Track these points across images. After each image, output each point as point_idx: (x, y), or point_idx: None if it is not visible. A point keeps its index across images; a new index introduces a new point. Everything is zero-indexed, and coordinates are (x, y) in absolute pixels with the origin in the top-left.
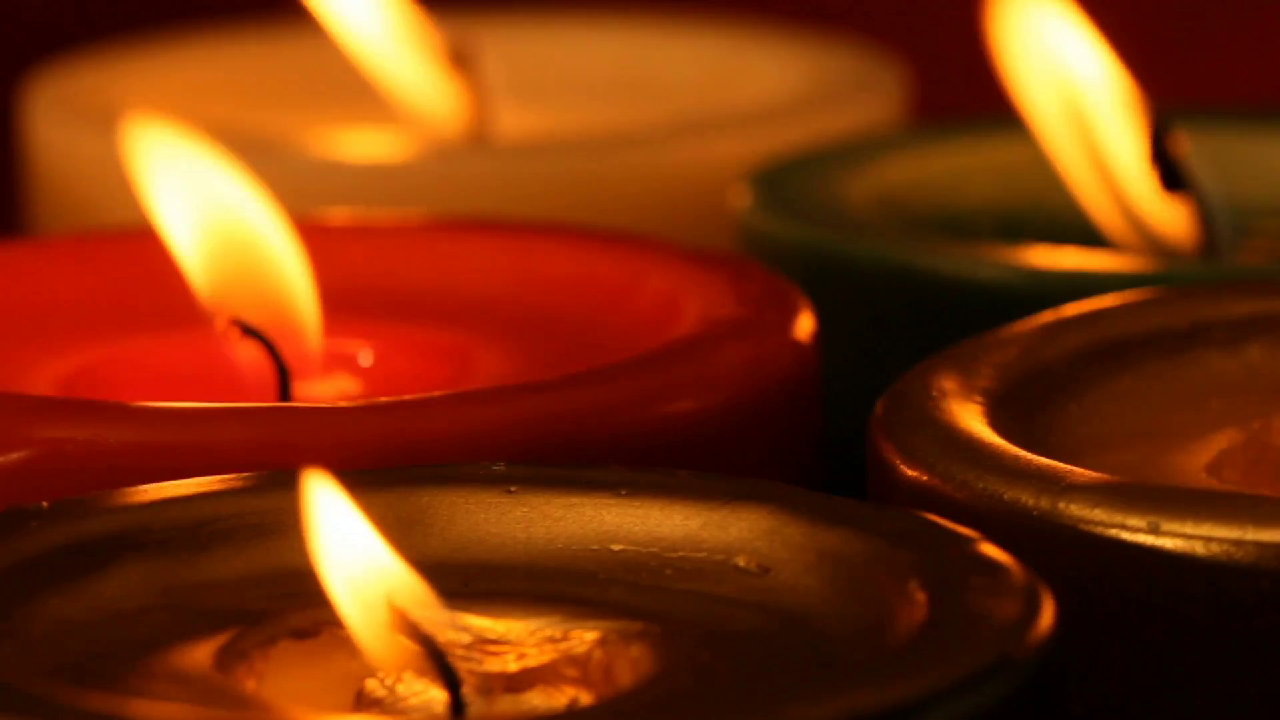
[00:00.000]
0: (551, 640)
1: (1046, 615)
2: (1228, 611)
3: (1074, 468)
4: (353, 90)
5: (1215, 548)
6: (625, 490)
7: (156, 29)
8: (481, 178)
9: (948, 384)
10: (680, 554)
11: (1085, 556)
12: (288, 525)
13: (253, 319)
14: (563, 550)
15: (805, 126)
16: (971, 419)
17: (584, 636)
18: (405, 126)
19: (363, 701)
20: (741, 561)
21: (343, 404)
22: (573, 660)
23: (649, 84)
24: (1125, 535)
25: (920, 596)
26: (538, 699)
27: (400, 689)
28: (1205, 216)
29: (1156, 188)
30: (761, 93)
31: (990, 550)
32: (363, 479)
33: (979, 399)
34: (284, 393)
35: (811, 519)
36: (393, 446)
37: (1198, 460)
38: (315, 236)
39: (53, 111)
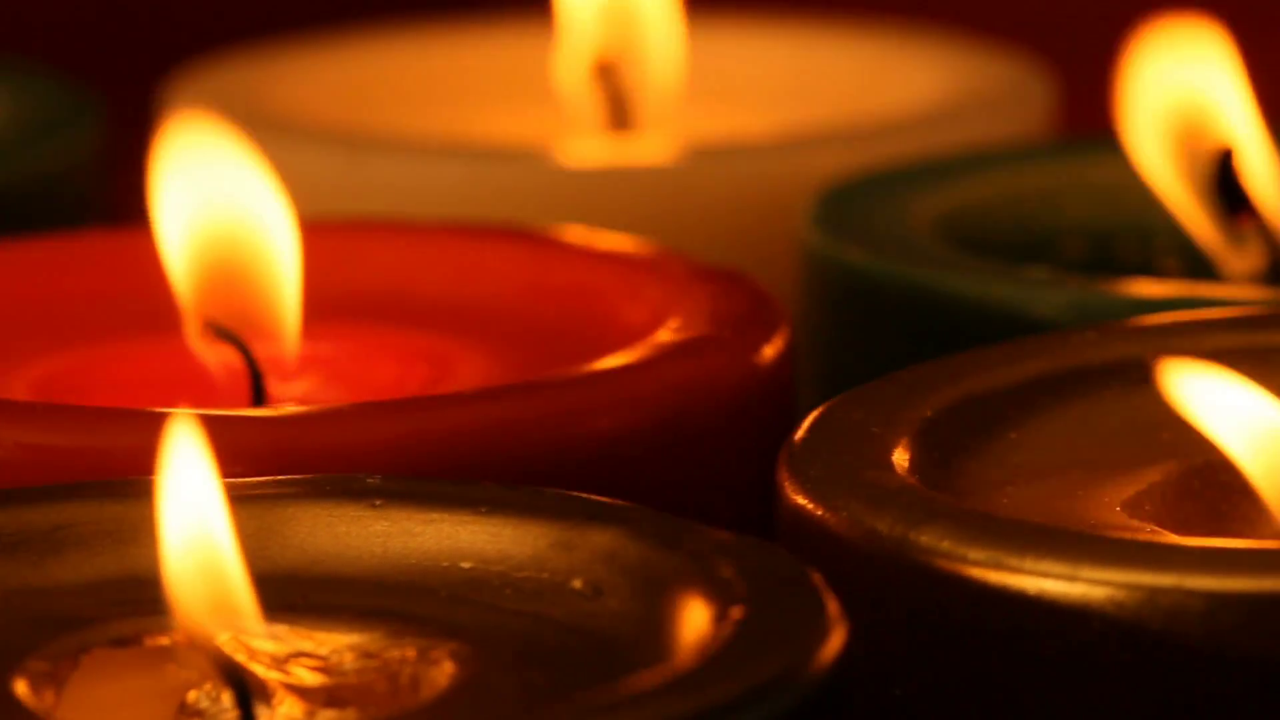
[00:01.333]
0: (367, 656)
1: (832, 644)
2: (1063, 649)
3: (941, 498)
4: (509, 91)
5: (1048, 584)
6: (486, 508)
7: (309, 28)
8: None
9: (874, 407)
10: (525, 574)
11: (933, 588)
12: (145, 532)
13: (232, 321)
14: (415, 566)
15: (947, 135)
16: (877, 444)
17: (399, 654)
18: (551, 131)
19: (184, 712)
20: (578, 584)
21: (246, 412)
22: (385, 677)
23: (800, 88)
24: (967, 569)
25: (730, 621)
26: (350, 715)
27: (225, 699)
28: (1273, 241)
29: (1221, 210)
30: (909, 99)
31: (808, 576)
32: (233, 488)
33: (905, 424)
34: (257, 397)
35: (651, 543)
36: (290, 456)
37: (1123, 493)
38: (310, 238)
39: (194, 111)
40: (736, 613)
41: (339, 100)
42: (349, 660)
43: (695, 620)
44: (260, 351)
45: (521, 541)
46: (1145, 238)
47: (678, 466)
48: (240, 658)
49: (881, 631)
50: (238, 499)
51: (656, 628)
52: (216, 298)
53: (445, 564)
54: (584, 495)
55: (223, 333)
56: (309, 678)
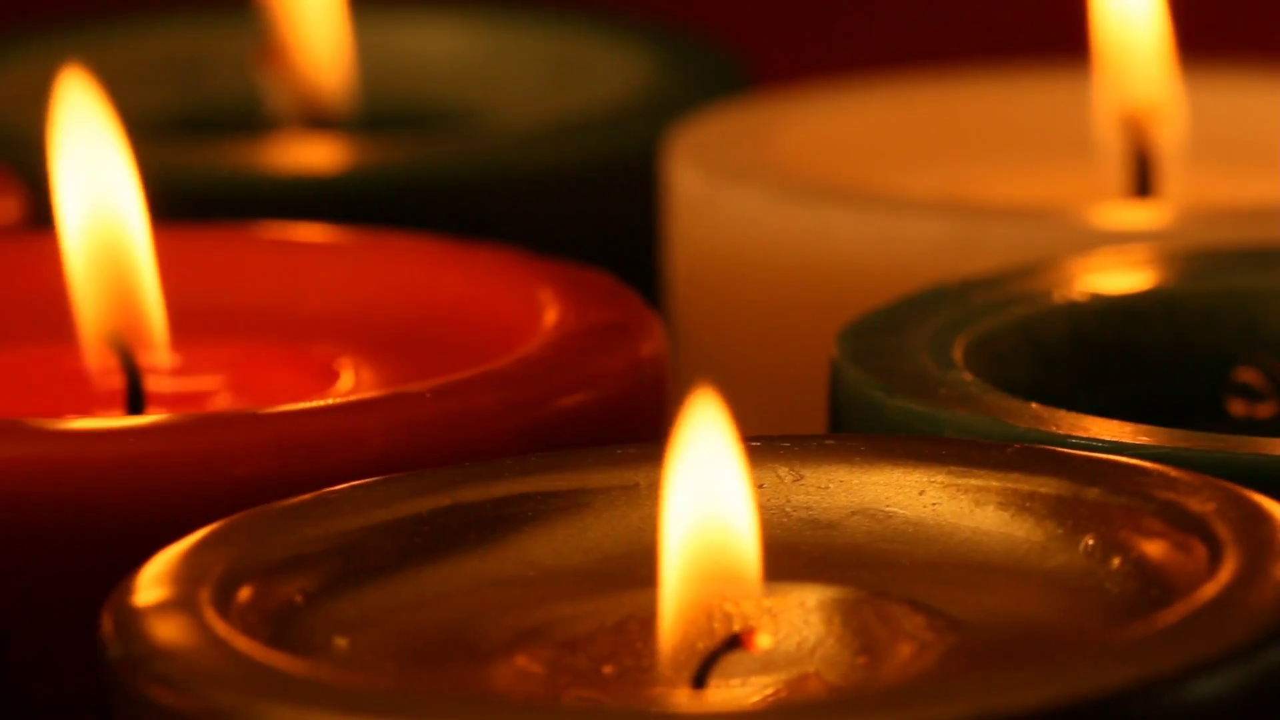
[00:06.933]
0: None
1: None
2: None
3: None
4: (1021, 145)
5: None
6: None
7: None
8: None
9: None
10: None
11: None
12: None
13: (118, 329)
14: None
15: None
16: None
17: None
18: (1068, 184)
19: None
20: None
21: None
22: None
23: None
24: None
25: None
26: None
27: None
28: None
29: None
30: None
31: None
32: None
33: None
34: (135, 406)
35: None
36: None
37: (539, 619)
38: (204, 248)
39: (693, 161)
40: None
41: (841, 151)
42: None
43: None
44: (145, 360)
45: None
46: None
47: None
48: None
49: None
50: None
51: None
52: (101, 303)
53: None
54: None
55: (109, 340)
56: None
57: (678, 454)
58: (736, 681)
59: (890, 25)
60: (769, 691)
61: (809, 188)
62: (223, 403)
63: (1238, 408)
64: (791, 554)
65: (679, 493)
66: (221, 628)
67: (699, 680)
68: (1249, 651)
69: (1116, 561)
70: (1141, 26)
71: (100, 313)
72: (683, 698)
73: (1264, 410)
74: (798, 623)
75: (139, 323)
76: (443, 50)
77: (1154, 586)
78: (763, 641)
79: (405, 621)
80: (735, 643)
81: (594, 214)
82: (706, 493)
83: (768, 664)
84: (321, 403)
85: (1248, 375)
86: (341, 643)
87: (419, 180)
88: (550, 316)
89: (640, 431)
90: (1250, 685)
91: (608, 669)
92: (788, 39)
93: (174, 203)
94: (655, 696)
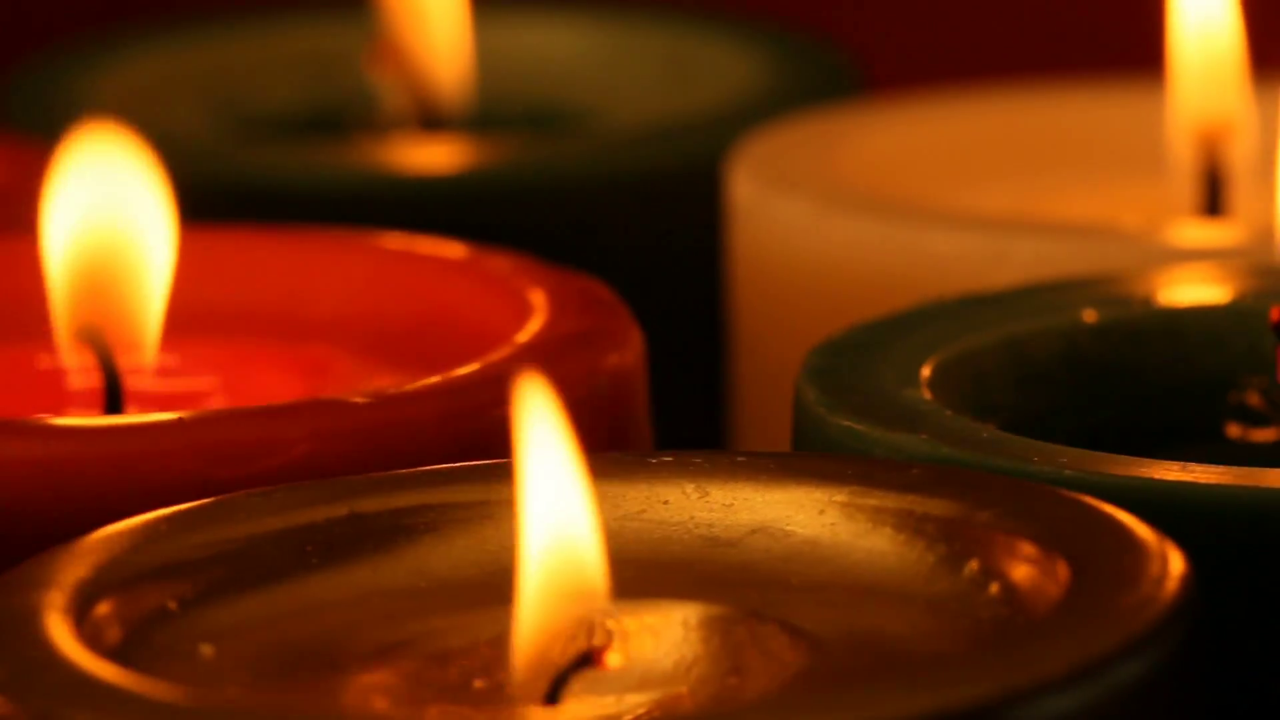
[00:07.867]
0: None
1: None
2: None
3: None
4: (1080, 158)
5: None
6: None
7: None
8: None
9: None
10: None
11: None
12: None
13: (100, 328)
14: None
15: None
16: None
17: None
18: (1139, 200)
19: None
20: None
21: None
22: None
23: None
24: None
25: None
26: None
27: None
28: None
29: None
30: None
31: None
32: None
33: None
34: (113, 407)
35: None
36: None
37: (421, 627)
38: (198, 248)
39: (750, 170)
40: None
41: (909, 164)
42: None
43: None
44: (128, 361)
45: None
46: None
47: None
48: None
49: None
50: None
51: None
52: (87, 305)
53: None
54: None
55: (88, 339)
56: None
57: (522, 470)
58: (611, 699)
59: (1005, 33)
60: (639, 710)
61: (852, 200)
62: (213, 404)
63: (1235, 431)
64: (685, 571)
65: (529, 508)
66: (59, 634)
67: (552, 697)
68: (1071, 680)
69: (994, 587)
70: (1216, 42)
71: (80, 313)
72: (532, 714)
73: (1262, 434)
74: (678, 640)
75: (128, 324)
76: (559, 50)
77: (1020, 613)
78: (613, 660)
79: (281, 631)
80: (587, 660)
81: (700, 216)
82: (554, 507)
83: (644, 681)
84: (246, 407)
85: (1249, 397)
86: (207, 651)
87: (530, 181)
88: (534, 326)
89: (599, 443)
90: (1071, 714)
91: (478, 683)
92: (904, 42)
93: (282, 202)
94: (510, 712)
